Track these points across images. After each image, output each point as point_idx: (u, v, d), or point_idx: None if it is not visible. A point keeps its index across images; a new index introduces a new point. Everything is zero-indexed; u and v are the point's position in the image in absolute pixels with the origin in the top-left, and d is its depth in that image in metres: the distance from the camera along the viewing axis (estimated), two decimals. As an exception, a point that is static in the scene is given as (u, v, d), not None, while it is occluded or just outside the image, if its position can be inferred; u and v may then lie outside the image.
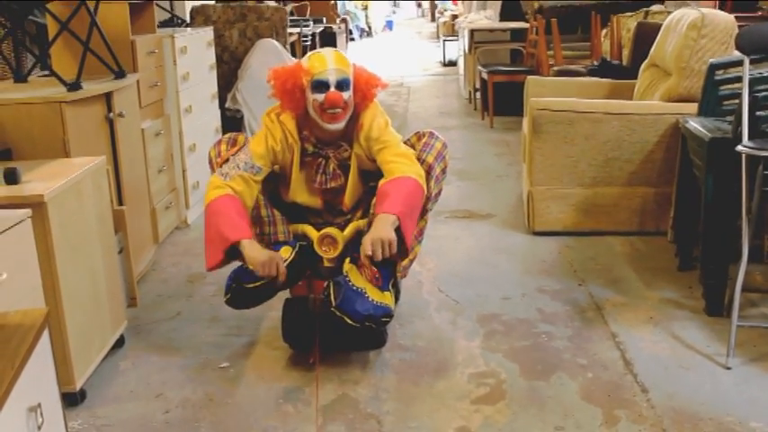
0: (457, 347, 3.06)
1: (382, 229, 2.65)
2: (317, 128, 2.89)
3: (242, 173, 2.85)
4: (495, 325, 3.24)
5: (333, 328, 2.85)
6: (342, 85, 2.81)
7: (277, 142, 2.89)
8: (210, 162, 3.01)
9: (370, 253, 2.63)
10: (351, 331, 2.80)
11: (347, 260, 2.87)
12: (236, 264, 2.87)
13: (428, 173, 2.87)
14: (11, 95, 3.20)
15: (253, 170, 2.86)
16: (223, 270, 2.87)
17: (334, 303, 2.72)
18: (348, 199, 2.97)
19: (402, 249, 2.76)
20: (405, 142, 2.95)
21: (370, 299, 2.76)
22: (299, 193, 2.98)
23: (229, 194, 2.82)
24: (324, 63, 2.82)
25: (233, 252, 2.78)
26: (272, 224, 2.94)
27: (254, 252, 2.73)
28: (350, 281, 2.78)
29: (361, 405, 2.67)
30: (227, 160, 2.91)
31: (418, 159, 2.87)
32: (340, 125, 2.85)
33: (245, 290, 2.82)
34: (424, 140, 2.94)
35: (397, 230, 2.70)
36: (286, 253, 2.88)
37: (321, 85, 2.80)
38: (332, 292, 2.75)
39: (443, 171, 2.96)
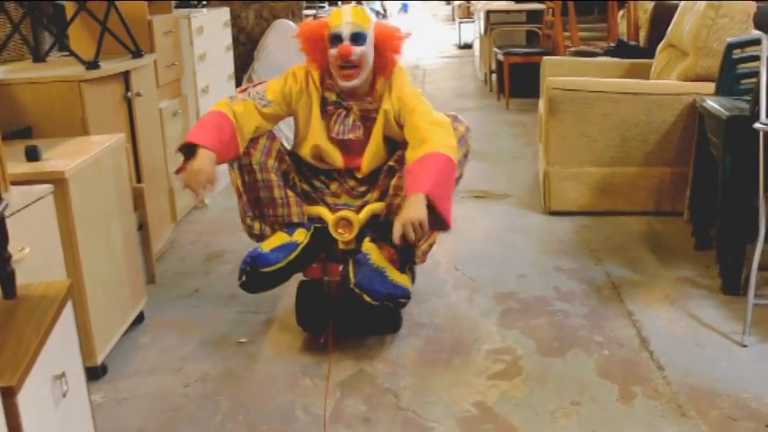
0: (474, 325, 3.08)
1: (412, 210, 2.60)
2: (337, 84, 2.92)
3: (249, 99, 2.89)
4: (512, 303, 3.26)
5: (348, 310, 2.86)
6: (356, 38, 2.83)
7: (297, 83, 2.93)
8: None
9: (399, 238, 2.59)
10: (366, 313, 2.78)
11: (367, 239, 2.87)
12: (252, 244, 2.89)
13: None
14: (30, 75, 3.23)
15: (262, 102, 2.90)
16: (241, 250, 2.88)
17: (353, 281, 2.71)
18: (366, 162, 2.94)
19: (443, 224, 2.72)
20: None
21: (390, 278, 2.76)
22: (320, 138, 2.95)
23: (222, 112, 2.83)
24: (340, 17, 2.87)
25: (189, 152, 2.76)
26: (286, 206, 2.93)
27: (196, 162, 2.70)
28: (370, 259, 2.77)
29: (379, 380, 2.69)
30: (245, 90, 2.96)
31: None
32: (354, 82, 2.86)
33: (260, 273, 2.80)
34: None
35: (432, 208, 2.65)
36: (300, 236, 2.89)
37: (336, 39, 2.84)
38: (351, 269, 2.75)
39: (465, 155, 2.94)
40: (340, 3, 11.41)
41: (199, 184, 2.71)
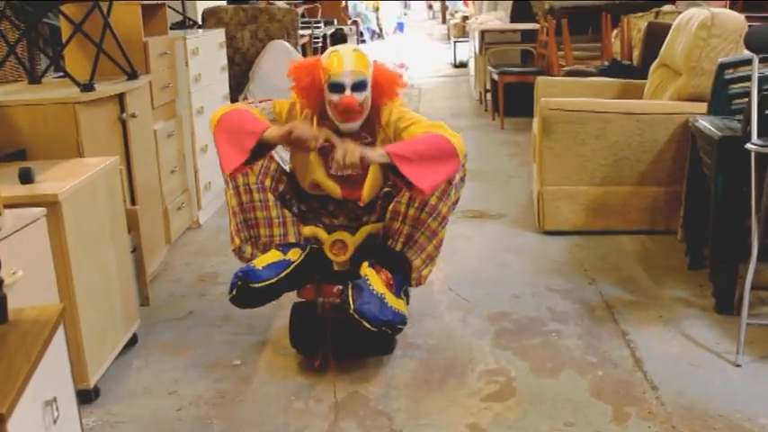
0: (467, 345, 3.07)
1: (361, 149, 2.69)
2: (334, 123, 2.92)
3: (257, 108, 2.91)
4: (506, 323, 3.26)
5: (343, 332, 2.85)
6: (358, 86, 2.82)
7: (301, 113, 2.95)
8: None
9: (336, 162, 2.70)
10: (362, 336, 2.77)
11: (366, 264, 2.86)
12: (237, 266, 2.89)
13: (449, 182, 2.84)
14: (25, 96, 3.24)
15: (269, 116, 2.91)
16: (233, 272, 2.87)
17: (353, 307, 2.69)
18: (367, 191, 2.93)
19: (414, 189, 2.70)
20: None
21: (389, 305, 2.75)
22: (318, 174, 2.95)
23: (239, 107, 2.88)
24: (341, 64, 2.81)
25: (258, 149, 2.79)
26: (283, 225, 2.95)
27: (274, 132, 2.76)
28: (371, 285, 2.76)
29: (372, 402, 2.69)
30: (251, 103, 2.98)
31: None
32: (354, 125, 2.87)
33: (251, 289, 2.81)
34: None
35: (395, 170, 2.67)
36: (294, 255, 2.89)
37: (337, 87, 2.81)
38: (350, 294, 2.74)
39: (462, 179, 2.93)
40: (333, 28, 11.45)
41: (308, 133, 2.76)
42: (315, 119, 2.94)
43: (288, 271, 2.84)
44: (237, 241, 3.00)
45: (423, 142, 2.74)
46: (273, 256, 2.90)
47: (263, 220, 2.93)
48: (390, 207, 2.89)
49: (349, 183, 2.96)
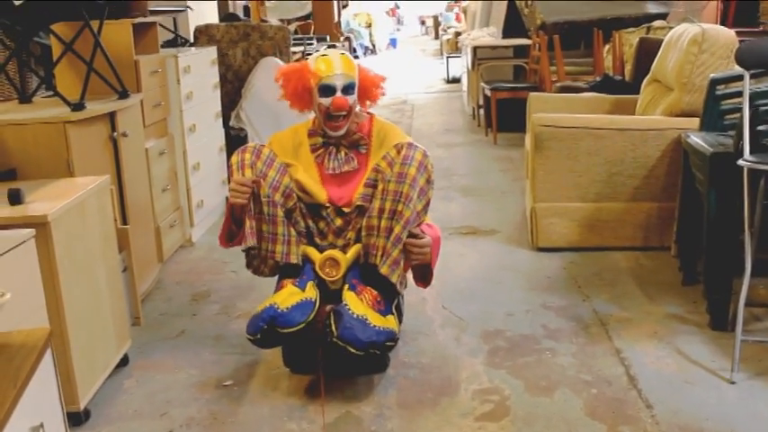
0: (461, 364, 3.06)
1: (423, 258, 2.87)
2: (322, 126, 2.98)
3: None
4: (500, 341, 3.24)
5: (335, 352, 2.82)
6: (347, 89, 2.90)
7: (284, 151, 3.04)
8: (230, 168, 2.98)
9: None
10: (354, 358, 2.75)
11: (345, 287, 2.85)
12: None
13: (411, 185, 2.81)
14: (15, 116, 3.22)
15: (267, 161, 2.94)
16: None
17: (335, 334, 2.69)
18: (357, 196, 2.93)
19: (427, 278, 3.01)
20: (383, 158, 2.91)
21: (372, 325, 2.73)
22: (304, 178, 2.99)
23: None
24: (331, 67, 2.89)
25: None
26: (287, 243, 2.90)
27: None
28: (350, 309, 2.74)
29: (365, 423, 2.67)
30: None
31: (400, 174, 2.81)
32: (342, 132, 2.95)
33: (279, 334, 2.75)
34: (403, 153, 2.85)
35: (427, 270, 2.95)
36: (312, 293, 2.84)
37: (328, 90, 2.88)
38: (332, 322, 2.73)
39: (428, 181, 2.89)
40: (325, 45, 11.50)
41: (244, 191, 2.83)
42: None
43: (314, 313, 2.79)
44: (251, 241, 2.93)
45: (435, 244, 2.94)
46: (293, 294, 2.83)
47: (269, 235, 2.89)
48: (364, 223, 2.87)
49: (338, 188, 2.99)
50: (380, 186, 2.84)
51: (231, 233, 2.98)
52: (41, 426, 1.67)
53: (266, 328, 2.74)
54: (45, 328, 2.09)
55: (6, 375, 1.62)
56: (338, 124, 2.92)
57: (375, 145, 3.03)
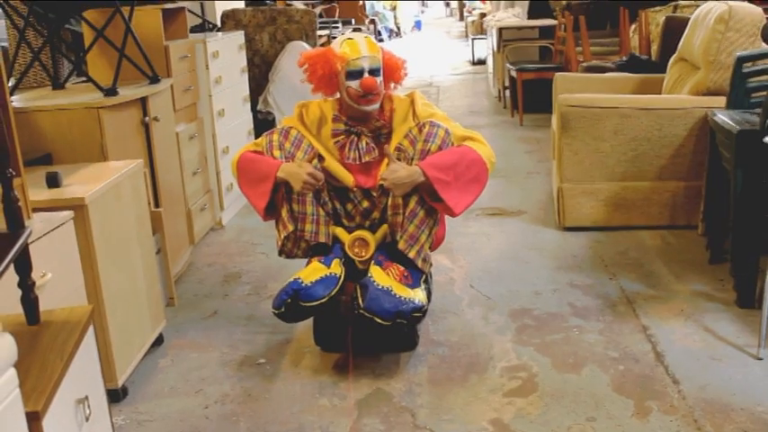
0: (489, 342, 3.10)
1: (399, 174, 2.81)
2: (350, 109, 2.99)
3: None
4: (527, 320, 3.28)
5: (365, 329, 2.87)
6: (374, 71, 2.94)
7: (311, 121, 3.08)
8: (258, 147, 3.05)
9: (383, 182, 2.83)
10: (382, 331, 2.80)
11: (372, 263, 2.91)
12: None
13: None
14: (50, 102, 3.30)
15: (295, 142, 2.99)
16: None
17: (362, 305, 2.75)
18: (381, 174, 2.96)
19: (446, 209, 2.89)
20: (405, 137, 2.97)
21: (396, 295, 2.77)
22: (332, 163, 3.02)
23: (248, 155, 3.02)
24: (357, 50, 2.93)
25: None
26: (316, 223, 2.95)
27: (289, 169, 2.87)
28: (374, 281, 2.80)
29: (395, 399, 2.72)
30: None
31: (422, 151, 2.88)
32: (376, 106, 2.97)
33: (302, 307, 2.81)
34: (426, 130, 2.91)
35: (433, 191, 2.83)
36: (337, 269, 2.89)
37: (356, 73, 2.91)
38: (359, 294, 2.79)
39: None
40: (351, 28, 11.50)
41: (314, 177, 2.86)
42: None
43: (338, 288, 2.84)
44: (290, 226, 2.99)
45: (459, 161, 2.87)
46: (318, 270, 2.89)
47: (298, 214, 2.95)
48: (389, 203, 2.92)
49: (363, 171, 3.01)
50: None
51: (272, 205, 3.00)
52: (86, 398, 1.74)
53: (289, 302, 2.81)
54: (87, 306, 2.16)
55: (53, 350, 1.69)
56: (371, 98, 2.93)
57: (397, 121, 3.04)
